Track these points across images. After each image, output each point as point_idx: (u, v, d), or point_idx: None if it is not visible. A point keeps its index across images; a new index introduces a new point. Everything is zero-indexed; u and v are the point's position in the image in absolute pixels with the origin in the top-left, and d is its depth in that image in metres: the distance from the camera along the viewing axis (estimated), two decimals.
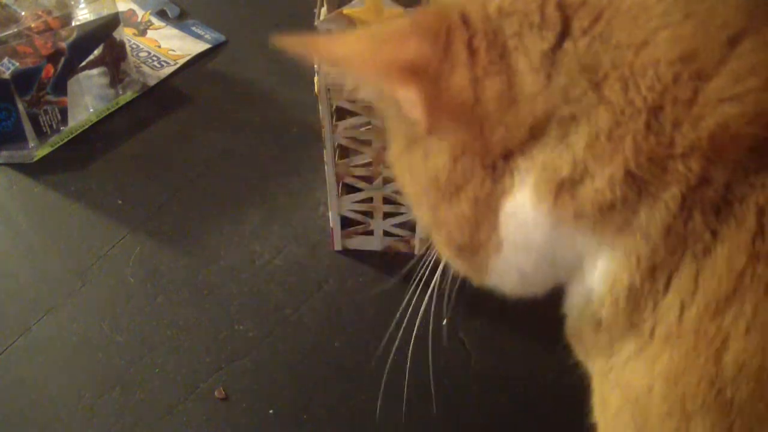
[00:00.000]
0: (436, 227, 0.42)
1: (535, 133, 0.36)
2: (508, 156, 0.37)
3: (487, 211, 0.38)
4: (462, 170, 0.38)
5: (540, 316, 0.78)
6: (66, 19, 0.93)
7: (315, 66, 0.68)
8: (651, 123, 0.33)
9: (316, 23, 0.65)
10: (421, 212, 0.42)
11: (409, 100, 0.37)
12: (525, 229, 0.38)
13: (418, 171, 0.40)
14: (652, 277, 0.35)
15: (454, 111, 0.37)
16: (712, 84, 0.33)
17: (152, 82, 1.03)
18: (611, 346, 0.38)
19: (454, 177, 0.38)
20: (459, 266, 0.44)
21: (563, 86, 0.35)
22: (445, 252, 0.43)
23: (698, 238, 0.34)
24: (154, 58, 1.07)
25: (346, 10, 0.63)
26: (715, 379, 0.33)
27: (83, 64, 0.97)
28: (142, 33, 1.12)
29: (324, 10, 0.71)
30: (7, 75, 0.88)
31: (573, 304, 0.41)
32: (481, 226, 0.39)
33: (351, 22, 0.63)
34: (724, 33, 0.33)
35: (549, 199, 0.36)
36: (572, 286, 0.41)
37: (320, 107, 0.71)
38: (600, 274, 0.37)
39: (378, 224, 0.81)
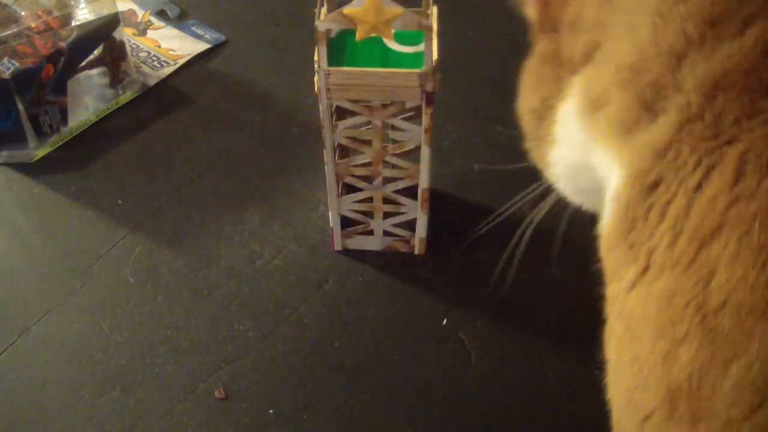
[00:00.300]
0: (521, 115, 0.52)
1: (588, 58, 0.44)
2: (572, 71, 0.45)
3: (549, 109, 0.48)
4: (542, 73, 0.48)
5: (540, 317, 0.78)
6: (66, 19, 0.93)
7: (315, 65, 0.68)
8: (672, 64, 0.39)
9: (316, 23, 0.65)
10: (518, 104, 0.52)
11: (531, 1, 0.50)
12: (570, 132, 0.46)
13: (524, 67, 0.51)
14: (647, 198, 0.40)
15: (549, 23, 0.48)
16: (725, 47, 0.38)
17: (152, 82, 1.03)
18: (618, 270, 0.42)
19: (536, 76, 0.49)
20: (534, 156, 0.52)
21: (612, 24, 0.43)
22: (527, 142, 0.52)
23: (689, 175, 0.38)
24: (154, 58, 1.07)
25: (346, 10, 0.63)
26: (701, 305, 0.36)
27: (83, 64, 0.97)
28: (142, 33, 1.12)
29: (324, 10, 0.72)
30: (7, 75, 0.88)
31: (601, 224, 0.46)
32: (543, 121, 0.48)
33: (351, 22, 0.63)
34: (741, 13, 0.38)
35: (586, 114, 0.44)
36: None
37: (320, 107, 0.71)
38: (611, 190, 0.43)
39: (378, 224, 0.81)
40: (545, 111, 0.48)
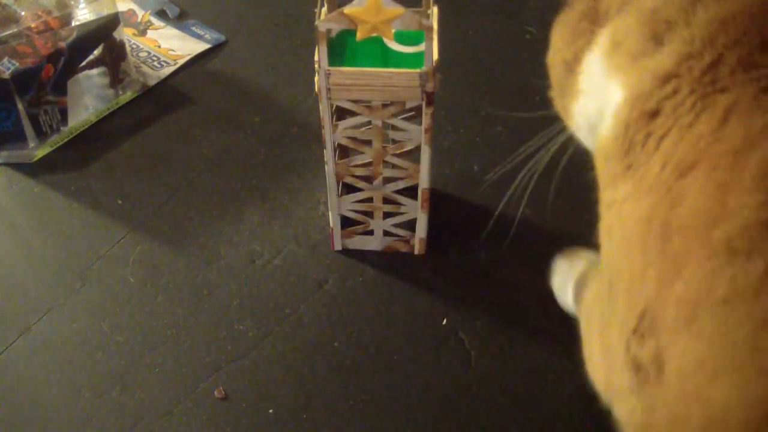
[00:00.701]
0: (552, 66, 0.56)
1: (620, 11, 0.48)
2: (602, 25, 0.50)
3: (577, 62, 0.52)
4: (580, 28, 0.52)
5: (540, 317, 0.78)
6: (66, 19, 0.93)
7: (315, 65, 0.68)
8: (688, 6, 0.44)
9: (317, 23, 0.65)
10: (550, 56, 0.57)
11: None
12: (593, 79, 0.50)
13: (559, 22, 0.55)
14: (647, 125, 0.44)
15: None
16: None
17: (152, 82, 1.03)
18: (615, 181, 0.47)
19: (573, 31, 0.53)
20: (559, 105, 0.56)
21: None
22: (553, 92, 0.57)
23: (686, 113, 0.42)
24: (154, 58, 1.07)
25: (346, 9, 0.63)
26: (667, 227, 0.41)
27: (83, 64, 0.97)
28: (142, 33, 1.12)
29: (324, 10, 0.72)
30: (7, 75, 0.88)
31: (596, 141, 0.50)
32: (571, 73, 0.52)
33: (352, 22, 0.63)
34: None
35: (607, 55, 0.48)
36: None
37: (320, 107, 0.71)
38: (612, 107, 0.47)
39: (378, 224, 0.81)
40: (575, 63, 0.52)
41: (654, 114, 0.44)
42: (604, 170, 0.48)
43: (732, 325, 0.37)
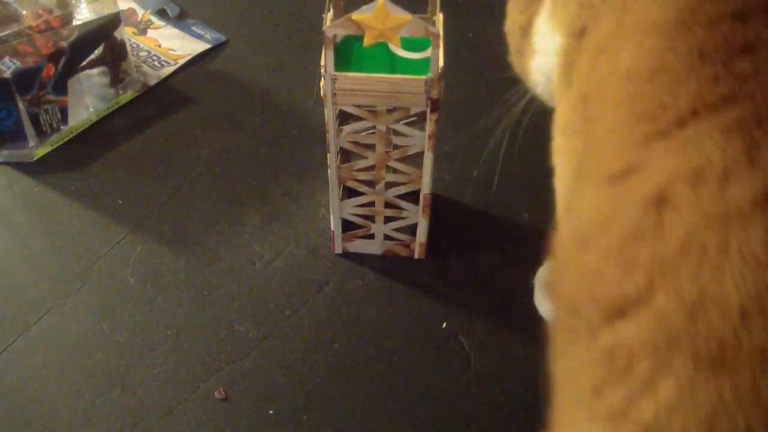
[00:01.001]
0: (509, 32, 0.63)
1: None
2: None
3: (531, 26, 0.59)
4: None
5: (538, 320, 0.78)
6: (67, 18, 0.93)
7: (321, 70, 0.68)
8: None
9: (324, 28, 0.65)
10: (507, 23, 0.64)
11: None
12: (543, 39, 0.57)
13: None
14: (578, 44, 0.51)
15: None
16: None
17: (152, 82, 1.03)
18: (561, 100, 0.53)
19: (526, 1, 0.59)
20: (518, 67, 0.63)
21: None
22: (512, 56, 0.64)
23: (599, 15, 0.48)
24: (155, 58, 1.07)
25: (354, 16, 0.63)
26: (586, 98, 0.48)
27: (84, 63, 0.97)
28: (142, 32, 1.12)
29: (330, 15, 0.72)
30: (7, 74, 0.88)
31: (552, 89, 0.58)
32: (526, 36, 0.59)
33: (359, 28, 0.64)
34: None
35: (551, 16, 0.55)
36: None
37: (326, 111, 0.71)
38: (555, 49, 0.54)
39: (379, 228, 0.82)
40: (528, 27, 0.59)
41: (582, 32, 0.51)
42: (557, 101, 0.55)
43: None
